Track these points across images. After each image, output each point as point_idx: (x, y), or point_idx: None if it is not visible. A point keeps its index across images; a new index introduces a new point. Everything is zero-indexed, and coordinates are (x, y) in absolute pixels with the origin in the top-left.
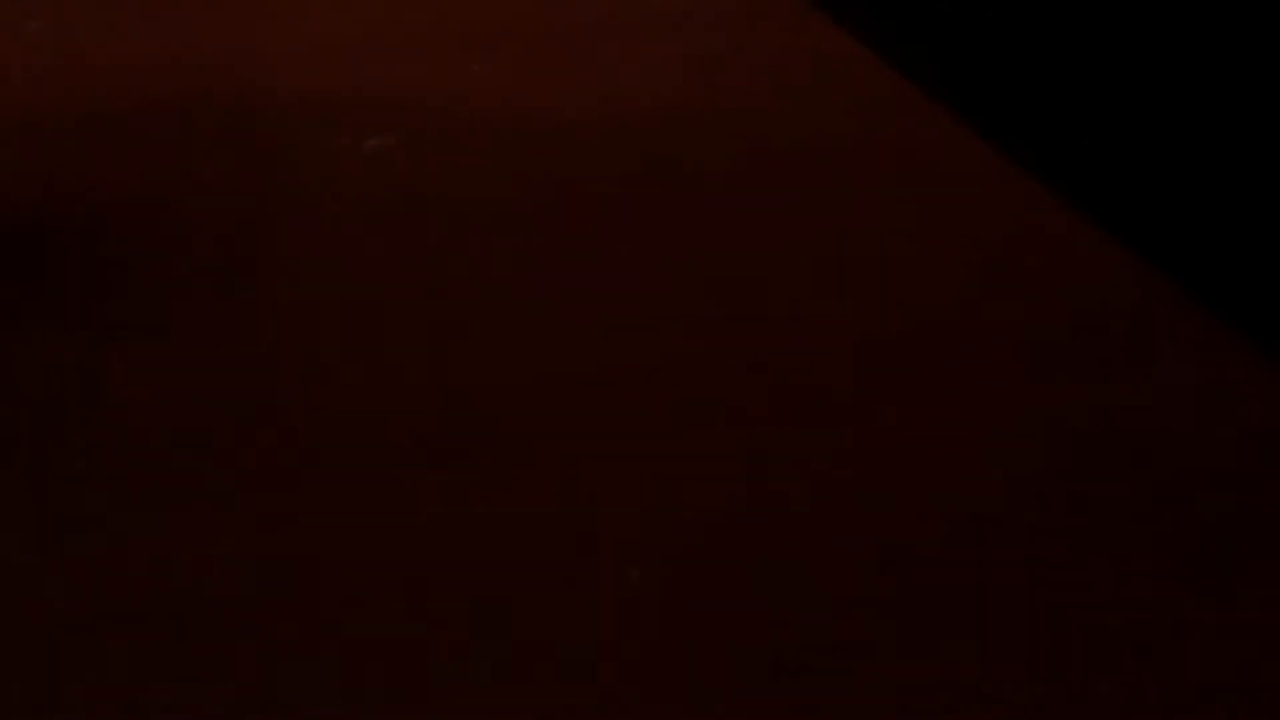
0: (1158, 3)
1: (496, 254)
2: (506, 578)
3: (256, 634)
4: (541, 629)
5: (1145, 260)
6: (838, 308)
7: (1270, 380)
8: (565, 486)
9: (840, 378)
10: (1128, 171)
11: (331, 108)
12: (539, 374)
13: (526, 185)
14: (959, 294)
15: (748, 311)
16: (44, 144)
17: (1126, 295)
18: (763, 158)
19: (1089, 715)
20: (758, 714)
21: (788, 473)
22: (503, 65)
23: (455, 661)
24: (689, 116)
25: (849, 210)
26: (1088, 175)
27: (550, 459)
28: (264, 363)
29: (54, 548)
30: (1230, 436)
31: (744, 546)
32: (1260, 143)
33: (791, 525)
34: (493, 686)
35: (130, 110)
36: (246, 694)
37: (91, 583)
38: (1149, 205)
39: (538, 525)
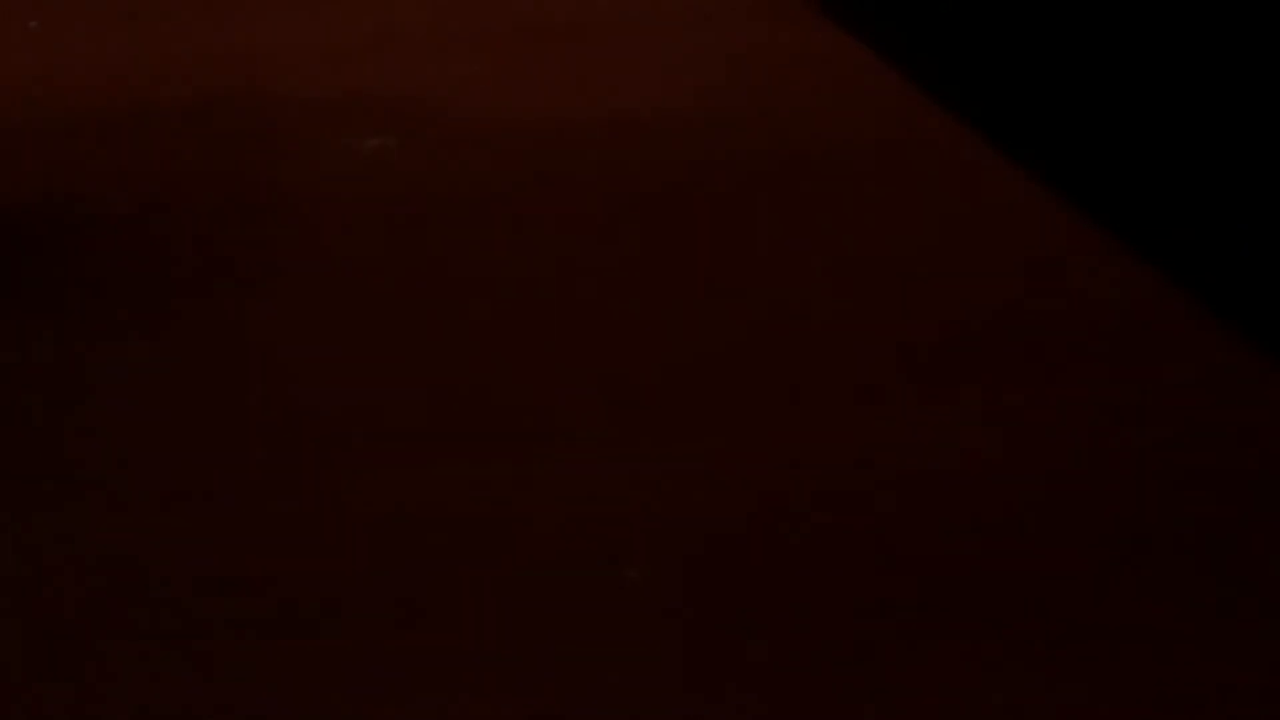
0: (1158, 4)
1: (496, 254)
2: (506, 576)
3: (268, 629)
4: (541, 627)
5: (1147, 262)
6: (839, 312)
7: (1270, 380)
8: (566, 486)
9: (841, 380)
10: (1131, 174)
11: (331, 108)
12: (540, 374)
13: (527, 185)
14: (961, 296)
15: (748, 314)
16: (43, 144)
17: (1128, 296)
18: (763, 160)
19: (1090, 715)
20: (757, 712)
21: (788, 474)
22: (502, 65)
23: (455, 658)
24: (690, 117)
25: (851, 215)
26: (1092, 179)
27: (551, 459)
28: (263, 360)
29: (47, 544)
30: (1230, 436)
31: (744, 547)
32: (1260, 144)
33: (792, 526)
34: (492, 683)
35: (129, 110)
36: (262, 690)
37: (86, 579)
38: (1151, 207)
39: (538, 525)
